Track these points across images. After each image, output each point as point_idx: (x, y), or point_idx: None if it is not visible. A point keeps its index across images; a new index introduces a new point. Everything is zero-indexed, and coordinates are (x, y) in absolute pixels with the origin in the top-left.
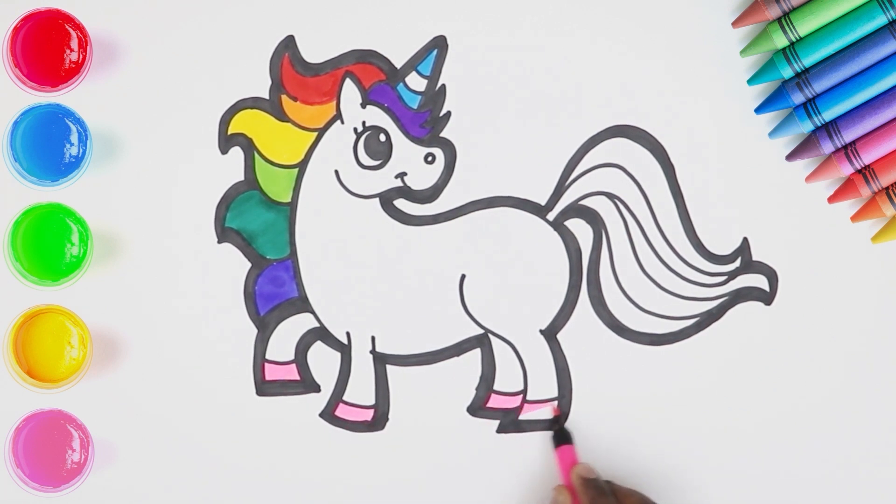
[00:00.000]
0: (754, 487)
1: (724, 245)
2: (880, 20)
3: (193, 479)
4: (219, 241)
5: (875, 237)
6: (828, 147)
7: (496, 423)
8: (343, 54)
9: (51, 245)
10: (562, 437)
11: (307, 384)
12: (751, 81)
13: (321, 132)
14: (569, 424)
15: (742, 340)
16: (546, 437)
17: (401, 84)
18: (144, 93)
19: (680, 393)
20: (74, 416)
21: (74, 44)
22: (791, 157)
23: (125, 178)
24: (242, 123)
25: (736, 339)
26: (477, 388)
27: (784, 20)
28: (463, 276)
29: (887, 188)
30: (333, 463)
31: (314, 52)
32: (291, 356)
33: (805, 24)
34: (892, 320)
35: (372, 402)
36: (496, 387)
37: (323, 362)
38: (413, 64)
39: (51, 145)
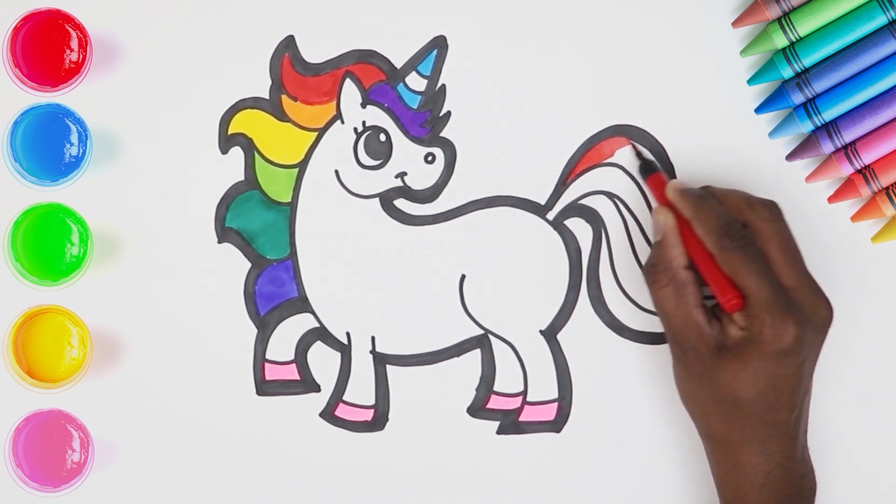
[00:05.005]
0: None
1: None
2: (880, 20)
3: (193, 479)
4: (219, 241)
5: (875, 237)
6: (828, 147)
7: (496, 424)
8: (343, 54)
9: (51, 245)
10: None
11: (307, 384)
12: (751, 81)
13: (321, 132)
14: (569, 426)
15: None
16: (546, 438)
17: (401, 84)
18: (144, 93)
19: None
20: (74, 416)
21: (74, 44)
22: (791, 157)
23: (125, 178)
24: (242, 123)
25: None
26: (477, 389)
27: (784, 20)
28: (463, 276)
29: (887, 188)
30: (333, 463)
31: (314, 52)
32: (291, 356)
33: (805, 24)
34: (892, 320)
35: (372, 402)
36: (496, 388)
37: (323, 362)
38: (413, 64)
39: (51, 145)
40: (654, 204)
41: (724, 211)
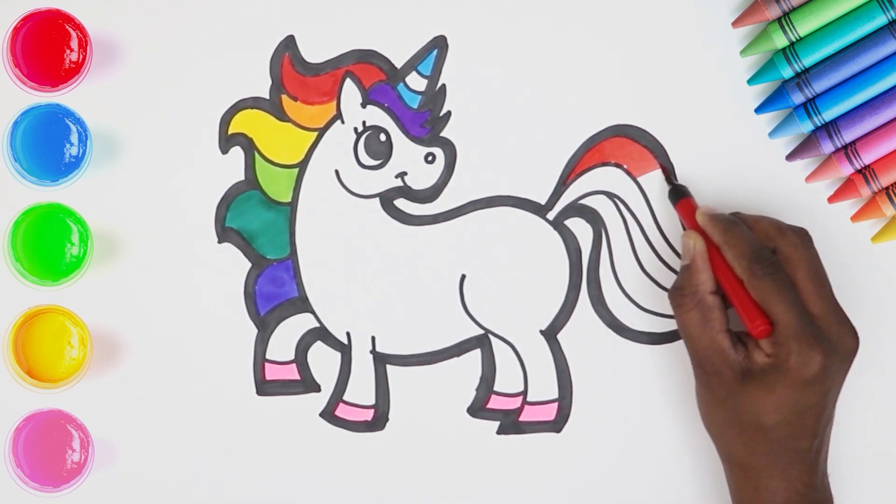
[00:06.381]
0: None
1: None
2: (880, 20)
3: (194, 479)
4: (219, 241)
5: (875, 237)
6: (828, 147)
7: (496, 424)
8: (343, 54)
9: (51, 245)
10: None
11: (307, 384)
12: (751, 81)
13: (321, 132)
14: (569, 426)
15: None
16: (546, 438)
17: (401, 84)
18: (144, 93)
19: (680, 393)
20: (74, 416)
21: (74, 44)
22: (791, 157)
23: (125, 178)
24: (243, 123)
25: None
26: (477, 389)
27: (784, 20)
28: (463, 276)
29: (887, 188)
30: (333, 463)
31: (314, 52)
32: (291, 356)
33: (805, 24)
34: (892, 320)
35: (372, 402)
36: (496, 388)
37: (323, 362)
38: (413, 64)
39: (51, 145)
40: (656, 204)
41: (755, 237)
